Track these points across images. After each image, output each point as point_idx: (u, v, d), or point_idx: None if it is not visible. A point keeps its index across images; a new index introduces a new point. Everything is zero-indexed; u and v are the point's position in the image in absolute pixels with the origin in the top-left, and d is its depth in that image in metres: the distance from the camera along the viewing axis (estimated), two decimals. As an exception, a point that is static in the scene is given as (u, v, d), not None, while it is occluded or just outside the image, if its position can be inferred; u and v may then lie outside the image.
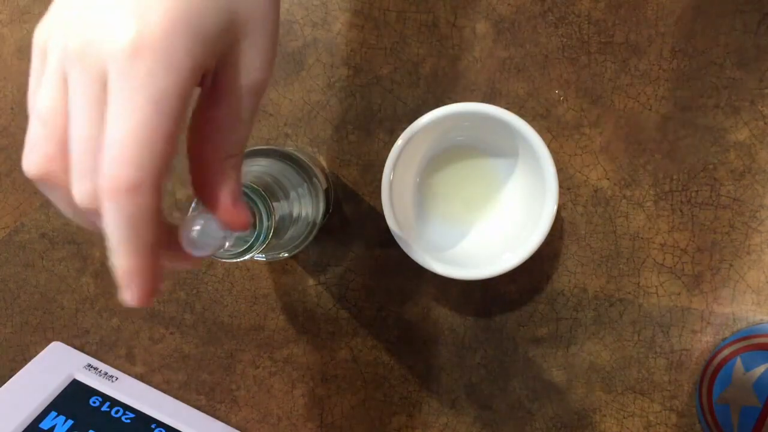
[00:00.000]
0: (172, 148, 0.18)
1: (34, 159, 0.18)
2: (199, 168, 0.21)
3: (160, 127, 0.17)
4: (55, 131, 0.18)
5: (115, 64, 0.17)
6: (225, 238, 0.22)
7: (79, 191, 0.18)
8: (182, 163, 0.44)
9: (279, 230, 0.31)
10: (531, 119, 0.42)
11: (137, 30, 0.17)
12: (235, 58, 0.19)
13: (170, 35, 0.17)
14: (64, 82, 0.18)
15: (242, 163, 0.21)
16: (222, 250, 0.22)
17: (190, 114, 0.21)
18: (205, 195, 0.21)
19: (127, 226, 0.18)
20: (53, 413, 0.40)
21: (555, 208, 0.36)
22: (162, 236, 0.20)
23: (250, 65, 0.20)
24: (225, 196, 0.21)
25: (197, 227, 0.20)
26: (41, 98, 0.18)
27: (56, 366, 0.44)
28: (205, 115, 0.20)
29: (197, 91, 0.20)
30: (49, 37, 0.18)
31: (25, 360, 0.44)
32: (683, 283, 0.42)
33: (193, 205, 0.23)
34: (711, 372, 0.41)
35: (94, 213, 0.18)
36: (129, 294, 0.20)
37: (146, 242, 0.19)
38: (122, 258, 0.19)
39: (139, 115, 0.17)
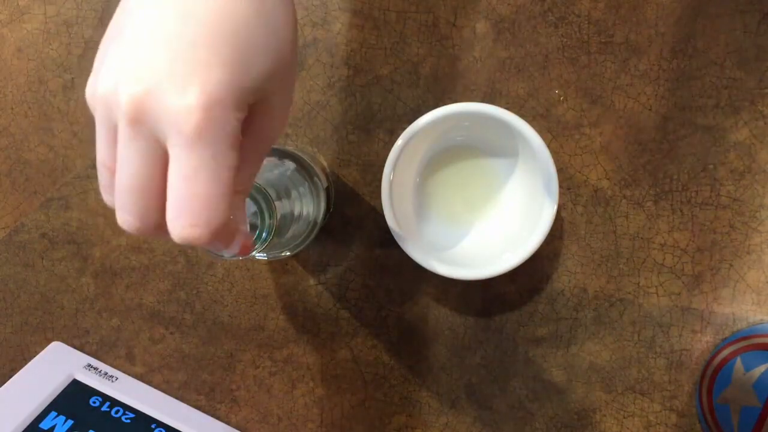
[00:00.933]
0: (230, 193, 0.20)
1: (106, 198, 0.22)
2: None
3: (223, 183, 0.19)
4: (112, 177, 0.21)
5: (178, 133, 0.18)
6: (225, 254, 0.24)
7: (122, 221, 0.21)
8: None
9: (280, 229, 0.31)
10: (531, 119, 0.42)
11: (202, 95, 0.18)
12: (266, 108, 0.21)
13: (226, 102, 0.19)
14: (114, 129, 0.20)
15: (247, 197, 0.23)
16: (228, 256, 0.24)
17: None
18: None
19: (211, 246, 0.21)
20: (53, 413, 0.40)
21: (555, 208, 0.36)
22: None
23: (276, 116, 0.22)
24: (239, 218, 0.23)
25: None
26: (101, 144, 0.21)
27: (56, 366, 0.44)
28: None
29: None
30: (106, 92, 0.20)
31: (25, 360, 0.44)
32: (683, 283, 0.42)
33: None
34: (711, 372, 0.41)
35: (140, 234, 0.21)
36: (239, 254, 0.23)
37: (227, 245, 0.22)
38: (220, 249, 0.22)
39: (210, 176, 0.19)
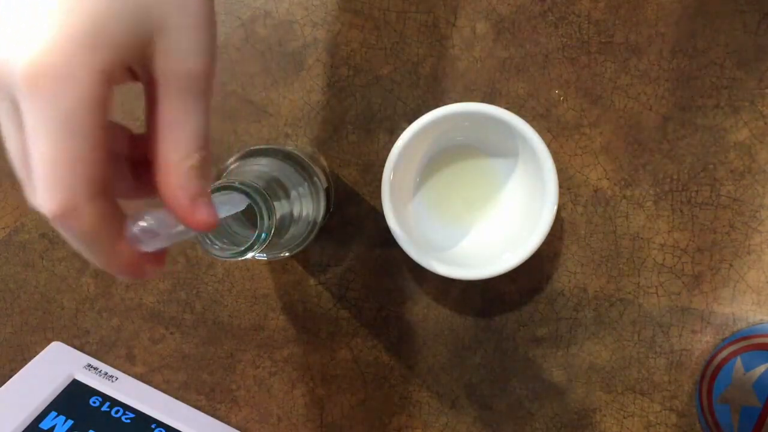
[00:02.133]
0: (98, 162, 0.17)
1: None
2: (157, 170, 0.20)
3: (76, 146, 0.16)
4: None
5: (19, 92, 0.16)
6: (183, 233, 0.21)
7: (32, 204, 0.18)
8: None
9: (280, 229, 0.31)
10: (531, 119, 0.42)
11: (31, 56, 0.16)
12: (159, 54, 0.18)
13: (68, 53, 0.16)
14: None
15: (208, 159, 0.20)
16: (173, 241, 0.21)
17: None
18: (165, 197, 0.20)
19: (81, 241, 0.18)
20: (53, 413, 0.40)
21: (555, 208, 0.36)
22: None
23: (177, 59, 0.19)
24: (179, 196, 0.20)
25: (141, 223, 0.19)
26: None
27: (56, 366, 0.44)
28: (152, 118, 0.20)
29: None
30: None
31: (25, 360, 0.44)
32: (683, 283, 0.42)
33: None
34: (711, 372, 0.41)
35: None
36: (116, 274, 0.20)
37: (105, 245, 0.18)
38: (95, 262, 0.19)
39: (52, 140, 0.16)
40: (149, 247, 0.20)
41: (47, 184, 0.17)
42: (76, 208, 0.17)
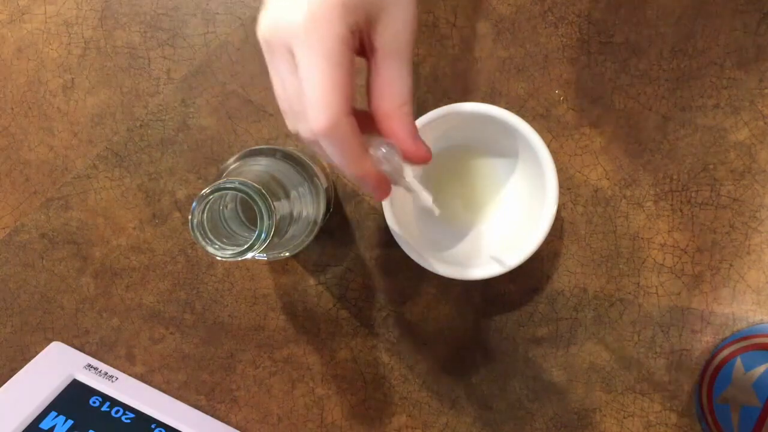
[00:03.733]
0: (350, 88, 0.24)
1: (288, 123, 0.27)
2: (381, 119, 0.27)
3: (337, 74, 0.23)
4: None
5: (296, 40, 0.23)
6: (403, 169, 0.27)
7: (298, 131, 0.26)
8: (181, 164, 0.44)
9: (280, 229, 0.31)
10: (531, 119, 0.42)
11: (306, 15, 0.23)
12: (381, 28, 0.25)
13: (329, 12, 0.23)
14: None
15: (413, 109, 0.27)
16: (400, 179, 0.27)
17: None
18: (390, 136, 0.27)
19: (341, 149, 0.25)
20: (53, 413, 0.40)
21: (555, 208, 0.36)
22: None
23: (393, 32, 0.25)
24: (404, 134, 0.26)
25: (382, 148, 0.26)
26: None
27: (56, 366, 0.44)
28: (374, 78, 0.26)
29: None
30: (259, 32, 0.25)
31: (25, 360, 0.44)
32: (683, 283, 0.42)
33: (372, 140, 0.28)
34: (711, 372, 0.41)
35: (315, 144, 0.25)
36: (368, 190, 0.27)
37: (357, 154, 0.25)
38: (348, 170, 0.26)
39: (321, 70, 0.23)
40: (384, 166, 0.26)
41: (319, 105, 0.23)
42: (338, 122, 0.24)
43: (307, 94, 0.24)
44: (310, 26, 0.23)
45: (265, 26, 0.25)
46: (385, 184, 0.27)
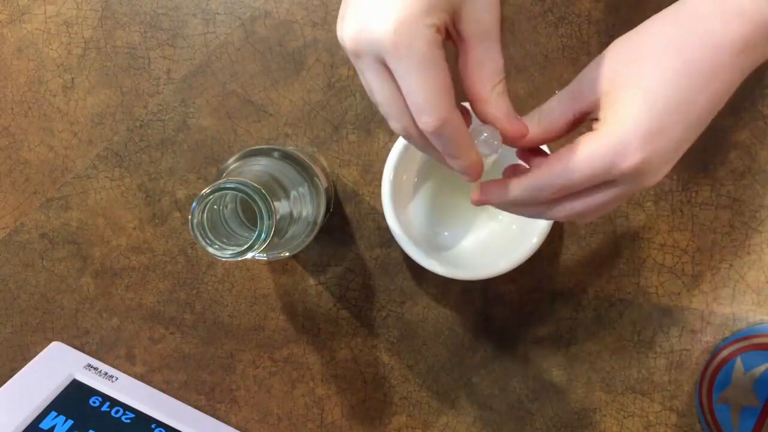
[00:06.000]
0: (449, 83, 0.25)
1: (393, 124, 0.27)
2: (476, 103, 0.27)
3: (434, 77, 0.24)
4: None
5: (387, 52, 0.24)
6: (499, 148, 0.28)
7: (393, 128, 0.27)
8: (181, 164, 0.44)
9: (280, 229, 0.31)
10: (531, 119, 0.42)
11: (393, 25, 0.23)
12: (466, 16, 0.25)
13: (415, 19, 0.23)
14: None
15: (506, 85, 0.27)
16: (496, 155, 0.29)
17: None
18: (486, 119, 0.28)
19: (450, 144, 0.26)
20: (53, 413, 0.40)
21: (555, 207, 0.36)
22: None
23: (478, 18, 0.25)
24: (500, 115, 0.27)
25: (485, 133, 0.27)
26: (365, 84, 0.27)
27: (56, 366, 0.44)
28: (464, 63, 0.27)
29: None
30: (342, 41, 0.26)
31: (25, 360, 0.44)
32: (683, 283, 0.42)
33: (473, 126, 0.29)
34: (711, 372, 0.41)
35: (414, 137, 0.27)
36: (471, 178, 0.28)
37: (466, 146, 0.27)
38: (456, 162, 0.27)
39: (422, 75, 0.24)
40: (486, 150, 0.27)
41: (428, 107, 0.24)
42: (447, 118, 0.25)
43: (412, 100, 0.25)
44: (398, 39, 0.23)
45: (350, 36, 0.25)
46: (481, 167, 0.28)
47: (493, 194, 0.29)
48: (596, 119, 0.27)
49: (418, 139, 0.27)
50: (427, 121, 0.25)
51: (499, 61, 0.27)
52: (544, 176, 0.27)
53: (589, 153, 0.25)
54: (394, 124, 0.27)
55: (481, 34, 0.26)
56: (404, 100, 0.25)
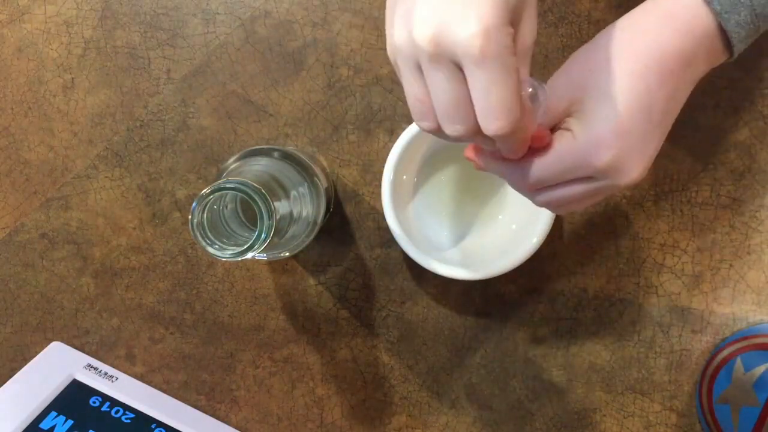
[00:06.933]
0: (520, 90, 0.25)
1: (424, 124, 0.28)
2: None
3: (513, 79, 0.24)
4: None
5: (470, 58, 0.24)
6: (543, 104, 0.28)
7: (452, 131, 0.27)
8: (181, 164, 0.44)
9: (280, 229, 0.31)
10: (531, 119, 0.42)
11: (477, 29, 0.23)
12: (522, 23, 0.26)
13: (499, 25, 0.24)
14: (418, 69, 0.26)
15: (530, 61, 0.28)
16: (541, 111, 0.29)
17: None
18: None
19: (516, 143, 0.27)
20: (53, 413, 0.40)
21: (555, 207, 0.36)
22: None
23: (525, 36, 0.27)
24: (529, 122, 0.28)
25: (535, 82, 0.27)
26: (411, 85, 0.27)
27: (56, 366, 0.44)
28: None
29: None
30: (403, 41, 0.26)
31: (25, 360, 0.44)
32: (683, 283, 0.42)
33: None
34: (711, 372, 0.41)
35: (467, 138, 0.27)
36: (515, 156, 0.29)
37: (527, 143, 0.28)
38: (517, 155, 0.28)
39: (502, 79, 0.24)
40: (536, 103, 0.28)
41: (504, 109, 0.25)
42: (518, 125, 0.25)
43: (485, 105, 0.25)
44: (486, 45, 0.23)
45: (428, 37, 0.25)
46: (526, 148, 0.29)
47: (483, 160, 0.31)
48: (568, 129, 0.29)
49: (472, 134, 0.28)
50: (502, 126, 0.25)
51: (528, 71, 0.29)
52: (525, 168, 0.29)
53: (564, 151, 0.28)
54: (457, 127, 0.27)
55: (524, 50, 0.27)
56: (470, 99, 0.26)
